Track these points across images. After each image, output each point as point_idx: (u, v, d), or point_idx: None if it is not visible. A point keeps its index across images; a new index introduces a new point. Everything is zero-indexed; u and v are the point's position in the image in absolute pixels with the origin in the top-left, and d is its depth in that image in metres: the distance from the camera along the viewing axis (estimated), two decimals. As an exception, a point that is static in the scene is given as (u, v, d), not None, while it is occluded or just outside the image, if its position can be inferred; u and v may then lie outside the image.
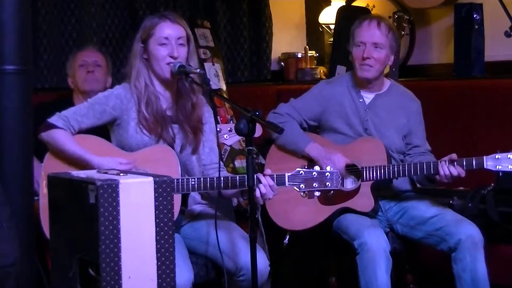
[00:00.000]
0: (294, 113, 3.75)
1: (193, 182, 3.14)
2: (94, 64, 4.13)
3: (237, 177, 3.13)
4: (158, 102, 3.27)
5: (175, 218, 2.69)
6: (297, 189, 3.10)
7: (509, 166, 3.37)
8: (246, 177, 2.89)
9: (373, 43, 3.63)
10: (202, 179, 3.15)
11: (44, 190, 3.11)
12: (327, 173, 3.08)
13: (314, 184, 3.08)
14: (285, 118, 3.73)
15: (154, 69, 3.27)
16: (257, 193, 2.99)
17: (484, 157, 3.40)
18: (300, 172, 3.09)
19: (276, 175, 3.08)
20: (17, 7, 3.01)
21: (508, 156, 3.37)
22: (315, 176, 3.08)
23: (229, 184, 3.12)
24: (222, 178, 3.11)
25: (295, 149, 3.68)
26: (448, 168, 3.40)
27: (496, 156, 3.38)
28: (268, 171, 3.07)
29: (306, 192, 3.13)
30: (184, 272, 3.02)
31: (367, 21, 3.67)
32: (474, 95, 4.62)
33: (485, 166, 3.39)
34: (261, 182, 3.02)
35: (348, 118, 3.70)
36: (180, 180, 3.14)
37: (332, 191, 3.33)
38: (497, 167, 3.39)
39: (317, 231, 3.70)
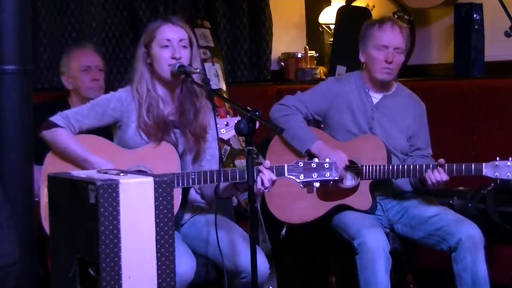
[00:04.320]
0: (300, 106, 3.76)
1: (193, 176, 3.14)
2: (97, 70, 4.05)
3: (237, 170, 3.13)
4: (159, 107, 3.27)
5: (175, 212, 2.69)
6: (297, 180, 3.10)
7: (508, 174, 3.36)
8: (245, 171, 2.91)
9: (396, 48, 3.66)
10: (202, 172, 3.15)
11: (45, 189, 3.11)
12: (326, 164, 3.09)
13: (313, 175, 3.09)
14: (291, 111, 3.75)
15: (157, 72, 3.26)
16: (258, 184, 2.99)
17: (483, 164, 3.40)
18: (300, 163, 3.10)
19: (275, 166, 3.09)
20: (17, 7, 3.01)
21: (508, 164, 3.36)
22: (314, 167, 3.09)
23: (229, 177, 3.12)
24: (221, 172, 3.11)
25: (299, 146, 3.68)
26: (433, 174, 3.42)
27: (495, 163, 3.38)
28: (267, 163, 3.07)
29: (305, 183, 3.13)
30: (185, 260, 3.04)
31: (389, 25, 3.67)
32: (474, 95, 4.62)
33: (483, 173, 3.39)
34: (261, 172, 3.02)
35: (355, 115, 3.71)
36: (180, 173, 3.15)
37: (331, 182, 3.34)
38: (496, 174, 3.38)
39: (316, 228, 3.71)
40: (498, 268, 3.64)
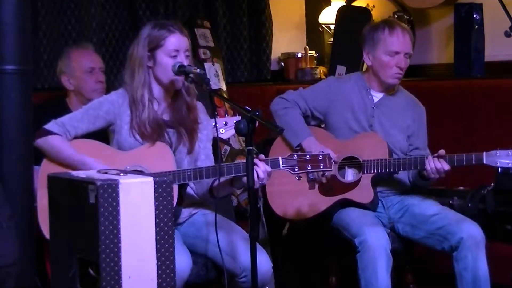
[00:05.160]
0: (300, 101, 3.80)
1: (189, 172, 3.15)
2: (100, 71, 4.04)
3: (233, 165, 3.14)
4: (154, 110, 3.29)
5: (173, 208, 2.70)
6: (292, 172, 3.11)
7: (508, 163, 3.39)
8: (241, 164, 2.94)
9: (406, 53, 3.69)
10: (198, 168, 3.17)
11: (42, 193, 3.12)
12: (320, 156, 3.11)
13: (308, 166, 3.11)
14: (289, 104, 3.79)
15: (158, 76, 3.29)
16: (254, 177, 2.99)
17: (484, 152, 3.42)
18: (294, 155, 3.13)
19: (270, 159, 3.11)
20: (17, 7, 3.01)
21: (508, 153, 3.39)
22: (308, 159, 3.11)
23: (225, 172, 3.12)
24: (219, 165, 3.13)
25: (292, 139, 3.70)
26: (433, 162, 3.44)
27: (496, 153, 3.40)
28: (261, 156, 3.08)
29: (300, 175, 3.16)
30: (181, 257, 3.06)
31: (400, 30, 3.69)
32: (474, 95, 4.62)
33: (484, 162, 3.41)
34: (256, 164, 3.03)
35: (355, 113, 3.74)
36: (176, 171, 3.16)
37: (326, 173, 3.36)
38: (496, 162, 3.40)
39: (317, 228, 3.72)
40: (498, 268, 3.63)
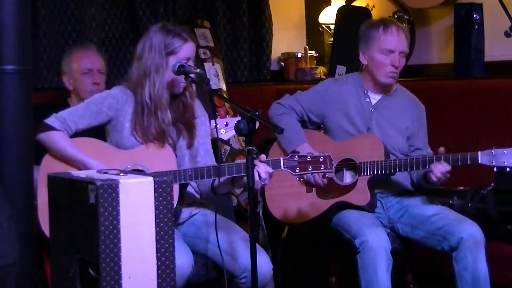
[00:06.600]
0: (296, 106, 3.79)
1: (190, 172, 3.16)
2: (99, 73, 4.01)
3: (233, 165, 3.14)
4: (160, 113, 3.28)
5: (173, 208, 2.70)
6: (293, 173, 3.12)
7: (504, 161, 3.36)
8: (242, 164, 2.96)
9: (401, 52, 3.67)
10: (199, 168, 3.17)
11: (42, 190, 3.12)
12: (321, 158, 3.11)
13: (308, 168, 3.11)
14: (285, 110, 3.78)
15: (167, 81, 3.30)
16: (255, 177, 2.98)
17: (479, 152, 3.40)
18: (295, 156, 3.13)
19: (271, 160, 3.12)
20: (17, 7, 3.01)
21: (504, 152, 3.36)
22: (309, 160, 3.12)
23: (226, 172, 3.13)
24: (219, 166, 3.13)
25: (286, 146, 3.70)
26: (438, 168, 3.42)
27: (492, 152, 3.38)
28: (262, 156, 3.09)
29: (301, 176, 3.16)
30: (182, 254, 3.07)
31: (394, 29, 3.66)
32: (474, 95, 4.62)
33: (479, 161, 3.39)
34: (256, 165, 3.03)
35: (352, 116, 3.72)
36: (177, 170, 3.17)
37: (326, 175, 3.35)
38: (492, 161, 3.38)
39: (316, 228, 3.72)
40: (498, 268, 3.63)
